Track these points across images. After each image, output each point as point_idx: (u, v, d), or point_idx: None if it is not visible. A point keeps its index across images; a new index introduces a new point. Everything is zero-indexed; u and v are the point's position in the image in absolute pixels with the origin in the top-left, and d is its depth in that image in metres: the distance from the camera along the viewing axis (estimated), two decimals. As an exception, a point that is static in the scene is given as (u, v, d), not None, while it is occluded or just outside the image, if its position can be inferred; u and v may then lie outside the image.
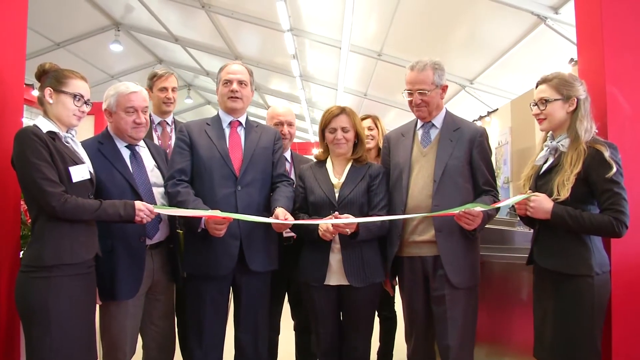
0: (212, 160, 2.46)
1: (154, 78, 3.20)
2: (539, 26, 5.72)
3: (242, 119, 2.61)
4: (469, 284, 2.35)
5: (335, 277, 2.43)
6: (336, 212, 2.33)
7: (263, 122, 2.91)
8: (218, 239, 2.33)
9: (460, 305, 2.32)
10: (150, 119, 3.17)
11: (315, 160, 2.71)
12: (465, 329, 2.32)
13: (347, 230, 2.29)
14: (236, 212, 2.38)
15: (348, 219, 2.28)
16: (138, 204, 2.15)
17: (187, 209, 2.30)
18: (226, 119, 2.58)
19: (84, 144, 2.31)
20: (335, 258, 2.43)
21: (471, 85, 7.87)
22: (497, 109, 7.52)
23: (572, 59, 4.74)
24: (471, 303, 2.37)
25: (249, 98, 2.62)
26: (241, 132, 2.59)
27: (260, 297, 2.54)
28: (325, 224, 2.32)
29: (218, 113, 2.63)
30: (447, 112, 2.52)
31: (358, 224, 2.31)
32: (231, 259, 2.41)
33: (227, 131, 2.57)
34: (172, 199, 2.38)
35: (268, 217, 2.40)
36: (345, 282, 2.42)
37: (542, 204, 2.06)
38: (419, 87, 2.39)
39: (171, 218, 2.48)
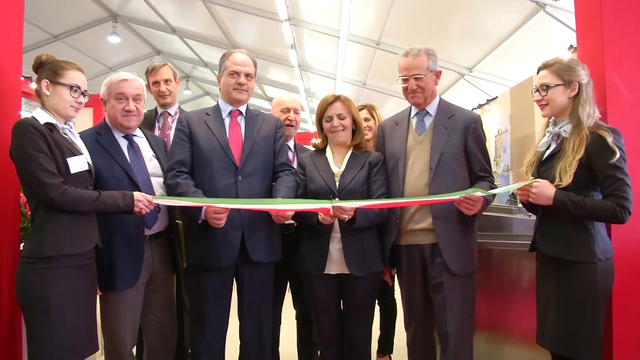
0: (212, 151, 2.44)
1: (147, 73, 3.20)
2: (538, 13, 5.68)
3: (243, 108, 2.59)
4: (467, 270, 2.36)
5: (336, 266, 2.43)
6: (336, 198, 2.32)
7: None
8: (219, 230, 2.32)
9: (459, 292, 2.32)
10: (155, 110, 3.18)
11: (314, 149, 2.69)
12: (464, 315, 2.33)
13: (345, 216, 2.28)
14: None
15: (347, 202, 2.28)
16: (137, 194, 2.15)
17: (187, 198, 2.30)
18: (226, 109, 2.56)
19: (83, 134, 2.31)
20: (335, 247, 2.43)
21: (470, 74, 7.83)
22: (497, 96, 7.49)
23: (571, 46, 4.71)
24: (469, 289, 2.38)
25: (253, 90, 2.61)
26: (241, 121, 2.57)
27: (264, 288, 2.53)
28: (324, 208, 2.31)
29: (218, 103, 2.61)
30: (440, 99, 2.52)
31: (356, 210, 2.30)
32: (233, 250, 2.40)
33: (227, 121, 2.55)
34: (172, 191, 2.37)
35: None
36: (345, 271, 2.42)
37: (544, 190, 2.05)
38: (415, 72, 2.39)
39: (170, 208, 2.48)
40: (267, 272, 2.54)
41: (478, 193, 2.18)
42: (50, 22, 8.64)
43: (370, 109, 3.29)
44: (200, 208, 2.32)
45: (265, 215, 2.41)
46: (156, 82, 3.18)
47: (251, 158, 2.47)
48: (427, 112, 2.48)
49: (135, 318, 2.38)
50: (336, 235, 2.43)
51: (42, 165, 1.96)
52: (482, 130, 2.46)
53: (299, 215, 2.47)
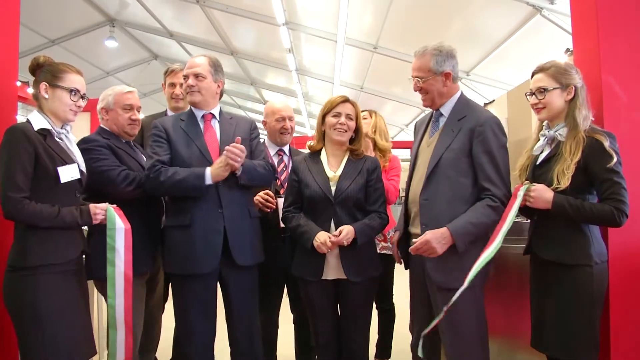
0: (190, 156, 2.41)
1: (166, 74, 3.20)
2: (534, 17, 5.72)
3: (215, 112, 2.57)
4: (452, 285, 2.06)
5: (333, 271, 2.42)
6: (332, 237, 2.32)
7: (261, 117, 2.92)
8: (200, 235, 2.34)
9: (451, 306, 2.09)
10: (165, 113, 3.20)
11: (308, 151, 2.65)
12: (462, 330, 2.15)
13: (344, 242, 2.30)
14: (220, 207, 2.38)
15: (345, 231, 2.31)
16: (92, 208, 2.12)
17: (183, 177, 2.32)
18: (199, 113, 2.54)
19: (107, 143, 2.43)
20: (332, 253, 2.40)
21: (467, 77, 7.86)
22: (494, 100, 7.49)
23: (567, 49, 4.72)
24: (463, 304, 2.05)
25: (210, 90, 2.52)
26: (215, 124, 2.55)
27: (251, 290, 2.51)
28: (322, 237, 2.33)
29: (190, 108, 2.58)
30: (458, 100, 2.31)
31: (355, 232, 2.33)
32: (215, 255, 2.37)
33: (201, 125, 2.53)
34: (158, 178, 2.33)
35: (254, 212, 2.51)
36: (342, 276, 2.40)
37: (543, 193, 2.04)
38: (415, 75, 2.30)
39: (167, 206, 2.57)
40: (252, 275, 2.52)
41: (470, 273, 2.00)
42: (47, 27, 8.67)
43: (371, 111, 3.35)
44: (202, 178, 2.32)
45: (248, 218, 2.46)
46: (173, 84, 3.17)
47: None
48: (442, 114, 2.33)
49: (141, 310, 2.45)
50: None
51: (12, 177, 1.94)
52: (495, 133, 2.18)
53: (294, 233, 2.47)
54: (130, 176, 2.39)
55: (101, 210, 2.13)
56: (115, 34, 9.45)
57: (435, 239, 2.05)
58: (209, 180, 2.33)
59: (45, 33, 8.90)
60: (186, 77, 2.50)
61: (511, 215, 2.06)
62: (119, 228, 2.15)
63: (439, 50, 2.26)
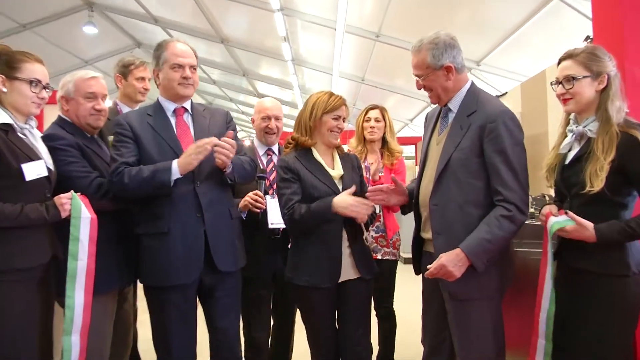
0: (163, 157, 2.34)
1: (130, 66, 3.19)
2: (551, 1, 5.70)
3: (187, 105, 2.53)
4: (466, 296, 2.12)
5: (346, 272, 2.47)
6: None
7: (252, 112, 2.93)
8: (181, 242, 2.31)
9: (463, 317, 2.15)
10: (116, 109, 3.17)
11: (296, 147, 2.60)
12: (472, 341, 2.14)
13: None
14: (200, 210, 2.35)
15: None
16: (56, 199, 2.09)
17: (148, 174, 2.25)
18: (170, 107, 2.48)
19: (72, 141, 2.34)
20: (345, 253, 2.47)
21: (478, 67, 7.84)
22: (506, 92, 7.49)
23: (587, 37, 4.71)
24: (478, 316, 2.13)
25: (198, 83, 2.55)
26: (188, 119, 2.51)
27: (236, 297, 2.52)
28: (348, 197, 2.36)
29: (158, 100, 2.52)
30: (468, 92, 2.26)
31: None
32: (198, 263, 2.34)
33: (172, 121, 2.48)
34: (122, 180, 2.26)
35: (235, 213, 2.52)
36: (352, 276, 2.47)
37: (582, 233, 1.97)
38: (415, 73, 2.28)
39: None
40: (238, 280, 2.54)
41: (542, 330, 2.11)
42: (17, 9, 8.61)
43: (383, 110, 3.44)
44: (169, 171, 2.25)
45: (229, 223, 2.45)
46: (142, 78, 3.18)
47: (207, 159, 2.33)
48: (450, 109, 2.29)
49: (111, 325, 2.44)
50: (344, 242, 2.48)
51: None
52: (509, 129, 2.10)
53: (306, 217, 2.39)
54: (104, 186, 2.32)
55: (67, 199, 2.08)
56: (94, 19, 9.40)
57: (450, 262, 2.03)
58: (176, 174, 2.27)
59: (15, 16, 8.83)
60: (179, 66, 2.42)
61: (550, 257, 2.09)
62: (85, 217, 2.10)
63: (435, 43, 2.20)
